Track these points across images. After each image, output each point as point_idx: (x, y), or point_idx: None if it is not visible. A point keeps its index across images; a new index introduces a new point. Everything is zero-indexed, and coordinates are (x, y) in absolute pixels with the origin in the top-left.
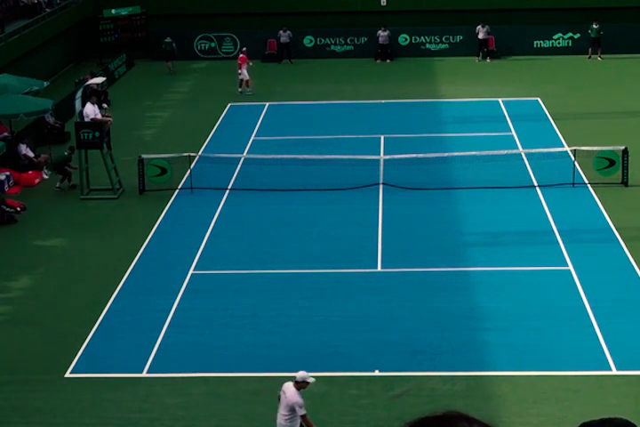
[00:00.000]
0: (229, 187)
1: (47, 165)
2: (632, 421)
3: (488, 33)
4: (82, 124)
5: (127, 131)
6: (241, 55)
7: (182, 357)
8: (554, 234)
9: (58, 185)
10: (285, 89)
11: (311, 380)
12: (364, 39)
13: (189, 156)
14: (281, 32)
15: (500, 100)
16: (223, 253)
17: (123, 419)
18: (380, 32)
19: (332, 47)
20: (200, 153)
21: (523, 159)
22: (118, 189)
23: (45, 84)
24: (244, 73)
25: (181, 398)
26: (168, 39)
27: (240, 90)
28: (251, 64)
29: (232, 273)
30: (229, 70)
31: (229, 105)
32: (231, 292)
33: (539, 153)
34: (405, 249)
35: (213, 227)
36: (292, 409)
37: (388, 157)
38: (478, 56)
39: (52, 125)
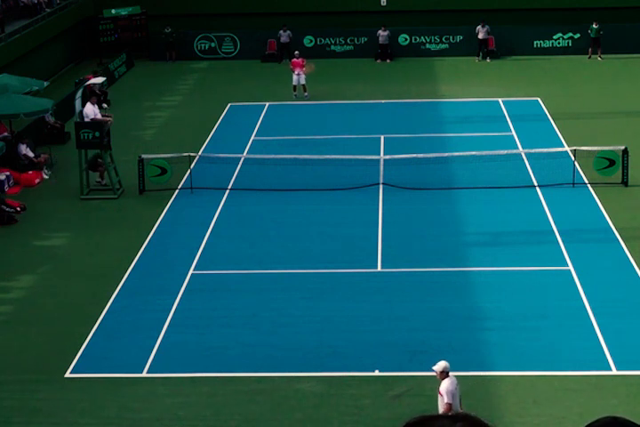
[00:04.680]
0: (229, 187)
1: (47, 165)
2: (633, 420)
3: (488, 33)
4: (82, 124)
5: (127, 131)
6: (294, 59)
7: (182, 357)
8: (554, 234)
9: (97, 180)
10: (285, 89)
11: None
12: (364, 39)
13: (189, 156)
14: (281, 32)
15: (500, 100)
16: (223, 253)
17: (123, 419)
18: (380, 32)
19: (332, 47)
20: (200, 153)
21: (523, 159)
22: (118, 189)
23: (45, 84)
24: (302, 77)
25: (181, 398)
26: (168, 29)
27: (302, 94)
28: (312, 65)
29: (232, 273)
30: (229, 70)
31: (229, 105)
32: (231, 292)
33: (539, 153)
34: (405, 249)
35: (213, 227)
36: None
37: (388, 157)
38: (478, 56)
39: (52, 125)
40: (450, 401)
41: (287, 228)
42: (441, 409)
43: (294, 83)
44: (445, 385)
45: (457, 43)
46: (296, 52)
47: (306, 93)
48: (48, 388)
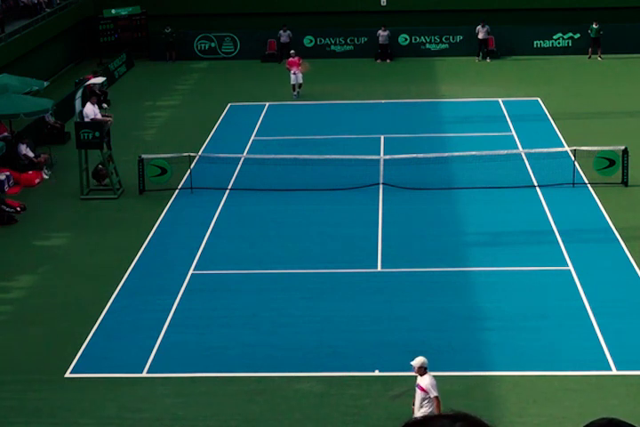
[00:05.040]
0: (229, 187)
1: (47, 165)
2: (629, 421)
3: (488, 33)
4: (82, 124)
5: (127, 131)
6: (290, 59)
7: (182, 357)
8: (554, 234)
9: (102, 182)
10: (285, 89)
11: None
12: (364, 39)
13: (189, 156)
14: (281, 32)
15: (500, 100)
16: (223, 253)
17: (123, 419)
18: (380, 32)
19: (332, 47)
20: (200, 153)
21: (523, 159)
22: (118, 189)
23: (45, 84)
24: (299, 76)
25: (181, 398)
26: (168, 29)
27: (295, 93)
28: (307, 64)
29: (232, 273)
30: (229, 70)
31: (229, 105)
32: (231, 292)
33: (539, 153)
34: (405, 249)
35: (213, 227)
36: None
37: (388, 157)
38: (478, 56)
39: (52, 125)
40: (438, 394)
41: (287, 228)
42: (418, 405)
43: (292, 82)
44: (429, 380)
45: (457, 43)
46: (292, 52)
47: (299, 90)
48: (48, 388)
